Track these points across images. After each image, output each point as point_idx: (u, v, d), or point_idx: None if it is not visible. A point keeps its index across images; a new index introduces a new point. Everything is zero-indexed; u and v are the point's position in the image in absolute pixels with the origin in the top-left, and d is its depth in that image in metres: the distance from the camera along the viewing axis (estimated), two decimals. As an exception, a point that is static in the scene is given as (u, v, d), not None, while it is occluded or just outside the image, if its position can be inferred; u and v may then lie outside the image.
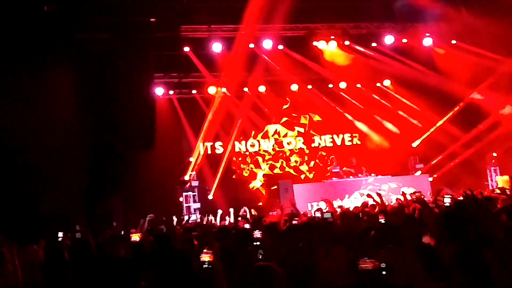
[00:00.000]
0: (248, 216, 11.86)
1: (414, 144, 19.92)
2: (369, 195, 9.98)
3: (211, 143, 18.98)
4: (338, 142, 20.47)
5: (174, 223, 12.26)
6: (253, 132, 19.77)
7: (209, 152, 18.99)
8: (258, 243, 6.00)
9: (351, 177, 17.63)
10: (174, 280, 4.39)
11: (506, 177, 14.88)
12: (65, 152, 14.15)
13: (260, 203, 17.93)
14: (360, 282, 3.22)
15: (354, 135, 20.53)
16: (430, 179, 17.81)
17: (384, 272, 3.29)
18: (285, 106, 20.29)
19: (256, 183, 19.42)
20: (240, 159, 19.44)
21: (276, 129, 20.11)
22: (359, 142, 20.47)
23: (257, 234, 6.28)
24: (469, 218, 4.69)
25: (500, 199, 7.79)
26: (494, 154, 17.44)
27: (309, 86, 19.91)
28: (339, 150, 20.13)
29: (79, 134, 14.63)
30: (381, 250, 3.38)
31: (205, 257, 5.07)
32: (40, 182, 13.42)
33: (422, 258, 3.46)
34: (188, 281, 4.44)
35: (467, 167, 17.56)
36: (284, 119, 20.20)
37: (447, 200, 7.48)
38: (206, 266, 4.72)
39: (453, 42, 18.66)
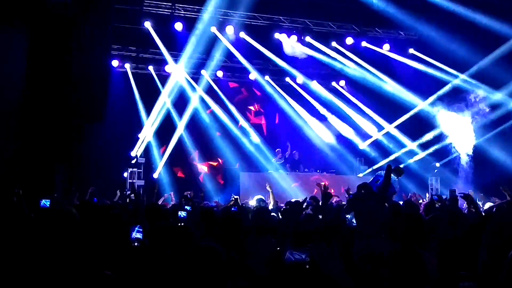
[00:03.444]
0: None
1: (361, 146, 20.26)
2: (318, 184, 10.04)
3: (162, 122, 18.81)
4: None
5: (117, 198, 12.20)
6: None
7: (162, 130, 18.83)
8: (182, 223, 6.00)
9: (296, 171, 17.83)
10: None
11: None
12: (11, 116, 13.80)
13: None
14: (284, 273, 3.30)
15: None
16: (373, 181, 18.19)
17: (307, 266, 3.36)
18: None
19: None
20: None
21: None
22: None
23: (182, 213, 6.31)
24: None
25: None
26: (437, 165, 17.92)
27: (266, 77, 20.01)
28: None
29: (27, 98, 14.27)
30: (308, 244, 3.46)
31: (137, 235, 5.10)
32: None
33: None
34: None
35: (410, 174, 18.04)
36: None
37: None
38: (136, 244, 4.75)
39: (410, 51, 19.05)
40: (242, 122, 20.12)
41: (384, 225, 5.22)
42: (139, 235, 5.02)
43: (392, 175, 7.73)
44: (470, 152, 16.53)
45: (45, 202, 6.01)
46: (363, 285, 3.11)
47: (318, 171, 17.92)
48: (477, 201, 11.11)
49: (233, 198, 10.35)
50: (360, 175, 18.74)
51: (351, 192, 10.14)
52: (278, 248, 3.70)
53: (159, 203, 11.42)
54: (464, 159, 16.62)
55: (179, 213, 6.10)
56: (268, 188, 11.60)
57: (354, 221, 6.50)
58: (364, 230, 5.72)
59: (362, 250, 4.94)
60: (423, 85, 18.01)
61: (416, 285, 3.35)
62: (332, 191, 12.36)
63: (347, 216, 7.18)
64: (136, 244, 4.85)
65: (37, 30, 14.53)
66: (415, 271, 3.38)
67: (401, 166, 14.30)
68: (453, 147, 17.00)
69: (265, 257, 3.33)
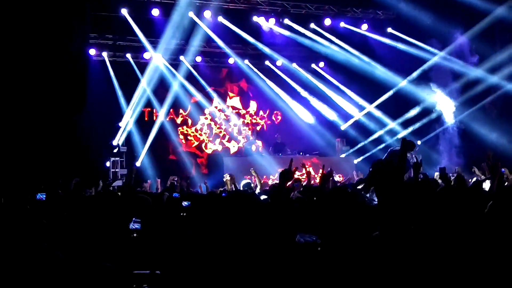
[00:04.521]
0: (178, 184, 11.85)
1: (343, 127, 20.33)
2: (303, 165, 10.03)
3: (143, 110, 18.67)
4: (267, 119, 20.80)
5: (100, 187, 12.07)
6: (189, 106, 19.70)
7: (142, 118, 18.72)
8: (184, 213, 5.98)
9: (280, 154, 17.85)
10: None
11: None
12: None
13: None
14: (296, 256, 3.29)
15: (277, 112, 20.89)
16: (355, 162, 18.31)
17: (319, 248, 3.35)
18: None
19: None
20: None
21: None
22: (279, 119, 20.88)
23: (185, 203, 6.28)
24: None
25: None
26: (419, 142, 18.05)
27: (245, 61, 19.93)
28: (267, 127, 20.47)
29: (3, 89, 14.03)
30: (318, 226, 3.44)
31: (135, 226, 5.06)
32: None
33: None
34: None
35: (391, 153, 18.13)
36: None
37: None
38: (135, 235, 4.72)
39: (388, 30, 19.10)
40: (222, 105, 20.16)
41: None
42: (137, 226, 4.98)
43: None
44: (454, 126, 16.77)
45: (41, 196, 5.98)
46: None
47: (301, 153, 17.95)
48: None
49: (227, 178, 10.27)
50: (343, 155, 18.85)
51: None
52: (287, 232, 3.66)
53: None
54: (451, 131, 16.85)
55: (183, 202, 6.04)
56: (253, 172, 11.61)
57: (375, 199, 6.38)
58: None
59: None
60: (402, 63, 18.10)
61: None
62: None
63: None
64: (135, 235, 4.83)
65: (11, 18, 14.23)
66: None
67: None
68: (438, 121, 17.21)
69: (276, 240, 3.29)
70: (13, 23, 14.29)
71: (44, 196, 6.03)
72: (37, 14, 14.46)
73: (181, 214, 5.74)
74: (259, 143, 19.16)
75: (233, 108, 20.52)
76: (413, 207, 4.31)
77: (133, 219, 5.05)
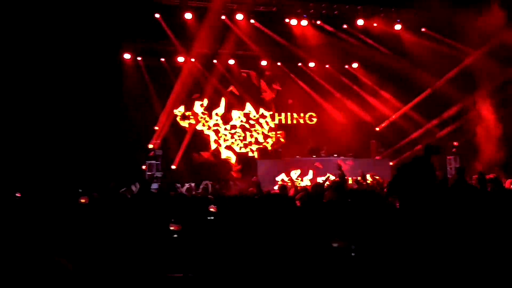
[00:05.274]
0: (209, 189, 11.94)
1: (378, 128, 20.13)
2: (339, 165, 9.97)
3: (178, 112, 18.83)
4: (301, 121, 20.66)
5: (136, 190, 12.18)
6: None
7: (176, 121, 18.88)
8: (212, 217, 5.98)
9: (314, 156, 17.76)
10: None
11: None
12: (28, 114, 13.93)
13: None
14: (330, 260, 3.26)
15: (312, 114, 20.73)
16: (391, 163, 18.10)
17: (353, 254, 3.33)
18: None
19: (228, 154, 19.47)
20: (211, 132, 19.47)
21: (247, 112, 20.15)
22: (314, 121, 20.72)
23: (211, 208, 6.27)
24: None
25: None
26: (455, 144, 17.78)
27: (278, 63, 19.91)
28: (301, 129, 20.32)
29: (43, 97, 14.37)
30: (352, 230, 3.41)
31: (172, 227, 5.09)
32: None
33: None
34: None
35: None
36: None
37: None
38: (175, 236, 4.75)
39: (423, 30, 18.84)
40: (253, 108, 20.17)
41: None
42: (174, 227, 5.01)
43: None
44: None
45: (83, 199, 6.18)
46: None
47: (335, 155, 17.81)
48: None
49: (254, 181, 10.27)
50: (378, 157, 18.63)
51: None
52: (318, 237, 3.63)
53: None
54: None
55: (210, 208, 6.02)
56: (286, 177, 11.61)
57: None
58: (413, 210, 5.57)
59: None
60: (438, 63, 17.82)
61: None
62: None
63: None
64: (175, 235, 4.85)
65: (48, 27, 14.55)
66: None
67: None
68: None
69: (310, 244, 3.28)
70: (53, 30, 14.62)
71: (86, 199, 6.17)
72: (72, 23, 14.76)
73: (209, 217, 5.75)
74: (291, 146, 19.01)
75: (266, 110, 20.46)
76: (455, 210, 4.25)
77: (172, 220, 5.09)
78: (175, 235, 4.69)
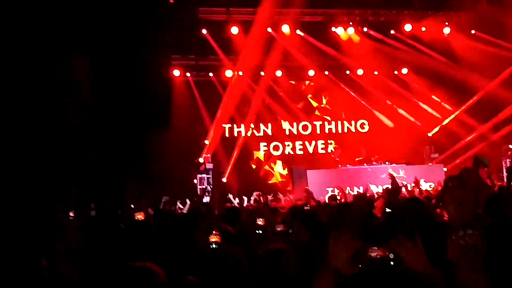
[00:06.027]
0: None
1: (430, 133, 19.79)
2: (391, 175, 9.83)
3: (227, 126, 19.05)
4: (353, 129, 20.52)
5: (187, 206, 12.35)
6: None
7: (226, 135, 19.11)
8: (260, 231, 5.97)
9: (365, 164, 17.55)
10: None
11: None
12: (81, 133, 14.36)
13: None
14: (368, 270, 3.24)
15: (363, 122, 20.56)
16: (445, 169, 17.71)
17: (392, 263, 3.27)
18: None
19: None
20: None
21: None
22: (365, 128, 20.56)
23: (259, 221, 6.27)
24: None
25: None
26: (511, 146, 17.27)
27: (326, 72, 19.86)
28: (352, 137, 20.14)
29: (95, 115, 14.78)
30: (390, 240, 3.37)
31: (214, 238, 5.14)
32: (56, 161, 13.66)
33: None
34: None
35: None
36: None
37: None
38: (214, 246, 4.78)
39: (473, 32, 18.46)
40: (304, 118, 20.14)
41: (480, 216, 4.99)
42: (216, 239, 5.06)
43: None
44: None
45: (139, 216, 6.35)
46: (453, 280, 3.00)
47: (387, 162, 17.54)
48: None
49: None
50: (431, 163, 18.27)
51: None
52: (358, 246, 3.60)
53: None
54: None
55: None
56: (336, 188, 11.55)
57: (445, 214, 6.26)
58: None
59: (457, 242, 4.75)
60: (489, 65, 17.40)
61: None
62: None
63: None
64: (214, 246, 4.90)
65: (99, 47, 15.00)
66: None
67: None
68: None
69: (348, 255, 3.26)
70: (104, 49, 15.08)
71: (142, 214, 6.34)
72: (123, 41, 15.17)
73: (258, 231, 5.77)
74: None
75: (316, 119, 20.39)
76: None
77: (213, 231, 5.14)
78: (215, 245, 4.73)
